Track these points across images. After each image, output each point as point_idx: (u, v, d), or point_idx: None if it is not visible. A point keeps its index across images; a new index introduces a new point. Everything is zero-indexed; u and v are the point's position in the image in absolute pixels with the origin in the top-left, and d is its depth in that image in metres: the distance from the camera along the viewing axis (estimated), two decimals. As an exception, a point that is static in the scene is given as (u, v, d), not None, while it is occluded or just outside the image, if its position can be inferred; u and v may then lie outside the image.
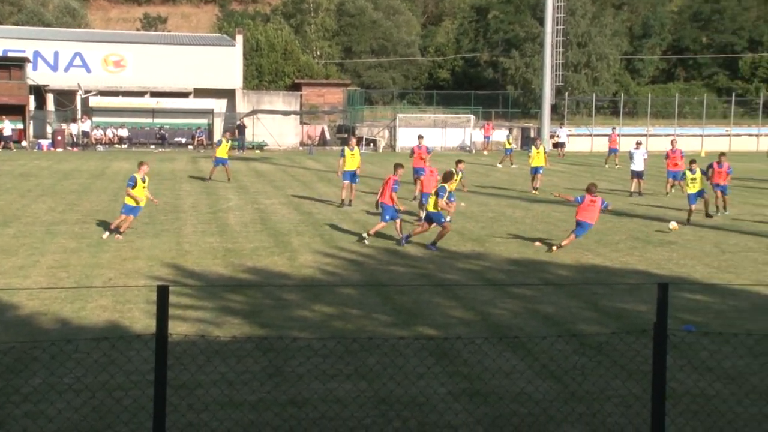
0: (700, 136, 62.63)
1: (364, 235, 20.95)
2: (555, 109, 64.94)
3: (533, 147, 33.90)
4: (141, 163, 22.08)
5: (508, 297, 15.27)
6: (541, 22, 64.89)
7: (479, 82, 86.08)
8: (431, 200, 20.24)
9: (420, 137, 32.00)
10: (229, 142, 36.71)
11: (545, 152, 33.85)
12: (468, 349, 11.08)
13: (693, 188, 24.84)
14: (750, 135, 64.50)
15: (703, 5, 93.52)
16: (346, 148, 28.04)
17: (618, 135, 48.52)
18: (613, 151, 46.83)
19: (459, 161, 25.67)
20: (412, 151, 30.33)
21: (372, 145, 60.69)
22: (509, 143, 47.86)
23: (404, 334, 12.35)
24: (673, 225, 23.11)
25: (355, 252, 19.62)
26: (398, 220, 20.95)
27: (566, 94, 68.16)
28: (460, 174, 24.25)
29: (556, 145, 58.67)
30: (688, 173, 25.18)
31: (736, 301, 14.95)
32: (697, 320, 13.39)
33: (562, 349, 11.30)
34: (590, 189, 20.09)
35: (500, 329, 12.92)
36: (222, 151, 35.11)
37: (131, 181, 21.22)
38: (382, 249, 20.11)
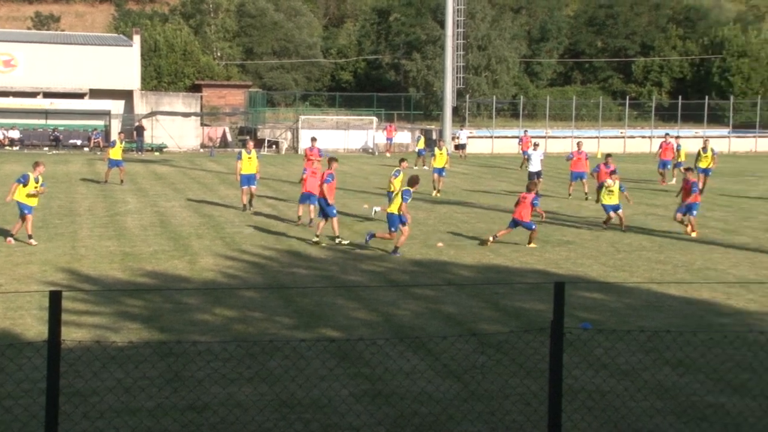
0: (597, 137, 64.17)
1: (337, 239, 20.89)
2: (456, 111, 65.66)
3: (436, 148, 34.10)
4: (37, 164, 21.44)
5: (410, 298, 15.38)
6: (442, 25, 65.54)
7: (381, 84, 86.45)
8: (396, 202, 19.85)
9: (313, 140, 31.66)
10: (123, 143, 35.99)
11: (447, 154, 34.00)
12: (370, 350, 11.11)
13: (609, 199, 23.59)
14: (643, 137, 66.43)
15: (598, 10, 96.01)
16: (243, 151, 27.54)
17: (530, 138, 46.83)
18: (526, 154, 43.96)
19: (402, 159, 25.74)
20: (305, 154, 29.71)
21: (274, 147, 60.32)
22: (422, 144, 47.79)
23: (306, 336, 12.31)
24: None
25: (256, 255, 19.47)
26: (318, 216, 21.08)
27: (467, 96, 69.01)
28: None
29: (457, 147, 59.33)
30: (608, 182, 23.79)
31: (631, 299, 15.38)
32: (594, 318, 13.72)
33: (463, 349, 11.43)
34: (529, 188, 21.40)
35: (403, 330, 13.00)
36: (116, 153, 34.45)
37: (23, 179, 20.57)
38: (285, 251, 20.01)
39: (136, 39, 63.44)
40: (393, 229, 19.75)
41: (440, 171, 33.10)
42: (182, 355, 11.13)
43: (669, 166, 37.71)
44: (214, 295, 15.18)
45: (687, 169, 24.57)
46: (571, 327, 9.43)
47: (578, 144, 34.35)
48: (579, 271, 18.05)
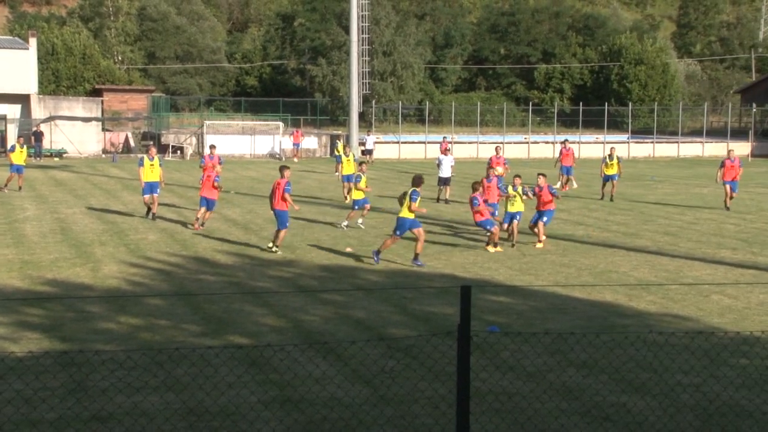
0: (501, 143, 65.21)
1: (273, 247, 20.57)
2: (363, 116, 65.94)
3: (342, 155, 33.86)
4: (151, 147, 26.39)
5: (319, 303, 15.34)
6: (347, 30, 65.68)
7: (287, 90, 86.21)
8: (405, 206, 19.22)
9: (212, 147, 30.43)
10: (24, 147, 34.82)
11: (354, 160, 33.73)
12: (279, 356, 11.04)
13: (512, 206, 22.61)
14: (546, 142, 67.81)
15: (500, 18, 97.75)
16: (145, 157, 26.52)
17: (449, 143, 45.61)
18: (566, 170, 40.78)
19: (362, 163, 25.58)
20: (204, 161, 28.70)
21: (179, 152, 59.49)
22: (339, 150, 46.84)
23: (214, 343, 12.16)
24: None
25: (162, 261, 19.16)
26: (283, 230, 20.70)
27: (373, 102, 69.37)
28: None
29: (364, 152, 59.53)
30: (510, 189, 23.05)
31: (536, 302, 15.65)
32: (501, 321, 13.91)
33: (372, 354, 11.45)
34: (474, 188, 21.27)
35: (312, 335, 12.96)
36: (18, 158, 33.51)
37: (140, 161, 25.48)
38: (191, 258, 19.75)
39: (33, 42, 61.68)
40: (399, 233, 19.40)
41: (349, 177, 32.63)
42: (85, 365, 10.87)
43: (572, 173, 38.22)
44: (118, 303, 14.87)
45: (540, 174, 22.89)
46: (478, 330, 9.57)
47: (496, 149, 33.96)
48: (486, 275, 18.29)
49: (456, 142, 63.21)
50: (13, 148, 34.52)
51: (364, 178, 24.88)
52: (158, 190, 26.33)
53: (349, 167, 32.47)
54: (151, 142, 28.80)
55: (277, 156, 60.39)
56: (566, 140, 42.35)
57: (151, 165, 26.11)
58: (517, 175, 23.61)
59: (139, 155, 44.86)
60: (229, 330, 13.29)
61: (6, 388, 9.53)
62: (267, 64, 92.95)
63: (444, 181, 32.91)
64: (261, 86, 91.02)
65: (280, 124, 63.63)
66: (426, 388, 10.20)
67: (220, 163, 28.40)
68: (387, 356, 11.59)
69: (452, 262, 19.75)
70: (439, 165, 33.43)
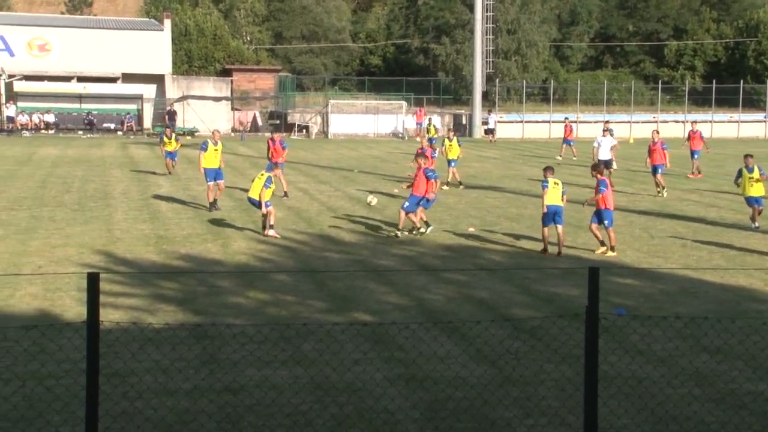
0: (629, 122, 63.69)
1: (423, 229, 20.30)
2: (486, 95, 65.42)
3: (446, 140, 31.93)
4: (215, 131, 25.20)
5: (442, 282, 15.39)
6: (471, 8, 65.24)
7: (410, 69, 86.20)
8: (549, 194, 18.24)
9: (273, 131, 30.43)
10: (172, 137, 33.35)
11: (459, 144, 31.69)
12: (403, 334, 11.14)
13: (754, 190, 21.28)
14: (676, 122, 65.85)
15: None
16: (208, 141, 24.07)
17: (571, 123, 45.23)
18: (567, 142, 42.79)
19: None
20: (268, 147, 28.34)
21: (304, 131, 60.45)
22: (433, 132, 45.96)
23: (339, 320, 12.36)
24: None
25: (288, 239, 19.54)
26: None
27: (497, 80, 68.70)
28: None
29: (486, 132, 59.21)
30: (745, 172, 21.39)
31: (665, 285, 15.28)
32: (628, 304, 13.66)
33: (496, 334, 11.42)
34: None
35: (435, 314, 13.01)
36: (171, 145, 32.59)
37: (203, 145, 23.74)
38: (316, 235, 20.08)
39: (167, 23, 63.72)
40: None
41: (451, 162, 30.77)
42: (217, 338, 11.23)
43: (696, 157, 36.35)
44: (247, 278, 15.28)
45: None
46: (605, 313, 9.41)
47: (653, 133, 32.58)
48: (612, 257, 17.95)
49: (581, 122, 62.10)
50: (161, 139, 33.75)
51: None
52: (222, 176, 24.23)
53: (453, 152, 30.71)
54: (217, 129, 27.86)
55: (400, 135, 60.62)
56: (694, 122, 41.05)
57: (215, 150, 23.88)
58: (748, 155, 21.96)
59: (267, 134, 45.70)
60: (353, 307, 13.48)
61: (145, 357, 9.93)
62: (391, 44, 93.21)
63: (604, 164, 28.92)
64: (385, 65, 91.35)
65: (403, 103, 63.80)
66: (552, 370, 10.11)
67: (283, 148, 28.03)
68: (512, 337, 11.54)
69: (577, 243, 19.45)
70: (598, 147, 31.43)
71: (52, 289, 13.97)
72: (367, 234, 20.38)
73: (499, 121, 60.19)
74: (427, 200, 20.27)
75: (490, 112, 61.96)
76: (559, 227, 18.17)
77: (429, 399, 9.31)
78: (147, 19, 76.52)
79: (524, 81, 70.74)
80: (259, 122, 63.38)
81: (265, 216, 19.89)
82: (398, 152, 45.90)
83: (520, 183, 31.75)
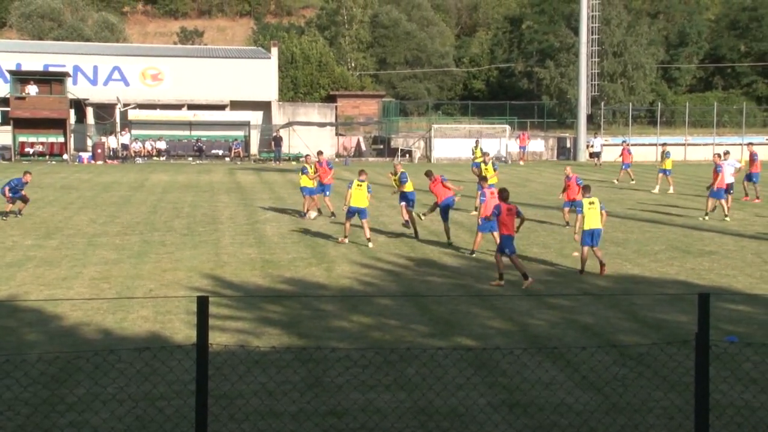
0: (740, 144, 61.88)
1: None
2: (591, 118, 64.61)
3: (482, 163, 30.75)
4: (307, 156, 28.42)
5: (545, 307, 15.21)
6: (576, 31, 64.67)
7: (514, 93, 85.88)
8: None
9: (320, 153, 30.34)
10: (311, 169, 28.52)
11: (495, 169, 30.28)
12: (507, 359, 11.05)
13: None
14: (790, 144, 63.65)
15: (741, 14, 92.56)
16: (354, 180, 22.77)
17: (628, 147, 44.71)
18: (625, 166, 42.28)
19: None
20: (315, 169, 27.95)
21: (407, 156, 60.78)
22: (479, 156, 41.01)
23: (442, 344, 12.34)
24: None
25: (391, 263, 19.64)
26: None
27: (602, 103, 67.80)
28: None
29: (591, 155, 58.47)
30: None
31: (779, 312, 14.76)
32: (740, 331, 13.24)
33: (602, 360, 11.23)
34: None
35: (539, 340, 12.87)
36: (306, 181, 28.30)
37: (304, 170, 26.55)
38: (419, 260, 20.12)
39: (274, 51, 65.17)
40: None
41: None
42: (322, 361, 11.35)
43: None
44: (350, 302, 15.40)
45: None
46: (716, 340, 9.16)
47: (749, 146, 31.19)
48: (723, 282, 17.45)
49: (689, 144, 60.67)
50: (304, 170, 28.78)
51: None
52: (366, 215, 23.00)
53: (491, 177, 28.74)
54: (307, 154, 27.23)
55: (503, 159, 60.34)
56: (750, 144, 38.57)
57: (359, 186, 22.43)
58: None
59: (371, 159, 45.95)
60: (456, 331, 13.44)
61: (252, 380, 10.11)
62: (494, 68, 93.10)
63: (726, 189, 27.94)
64: (488, 90, 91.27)
65: (507, 127, 63.56)
66: (661, 398, 9.88)
67: (329, 169, 28.48)
68: (619, 363, 11.32)
69: (686, 268, 18.98)
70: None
71: (162, 312, 14.37)
72: (470, 258, 20.31)
73: (604, 144, 59.32)
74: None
75: (595, 135, 61.13)
76: (596, 249, 18.38)
77: (533, 425, 9.20)
78: (255, 47, 78.36)
79: (630, 103, 69.59)
80: (363, 147, 64.04)
81: (409, 222, 22.61)
82: (502, 176, 45.61)
83: (625, 207, 31.17)
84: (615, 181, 41.84)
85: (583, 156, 60.54)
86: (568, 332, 13.41)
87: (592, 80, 61.99)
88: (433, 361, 11.07)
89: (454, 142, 61.98)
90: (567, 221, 25.53)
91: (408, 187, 24.30)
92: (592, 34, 61.42)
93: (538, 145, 63.33)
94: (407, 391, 10.19)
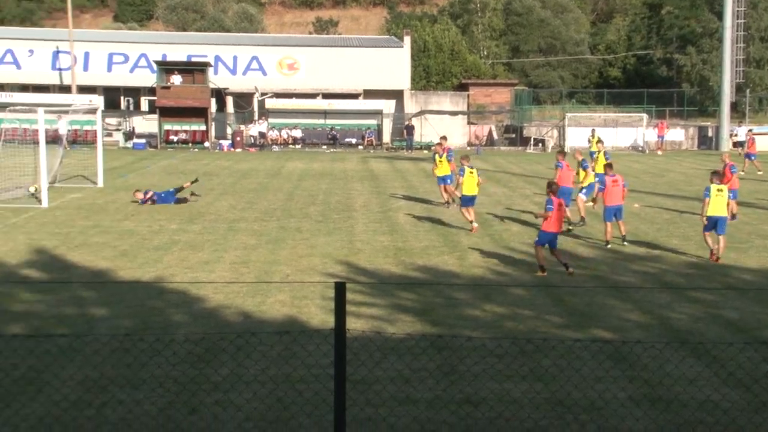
0: None
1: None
2: (735, 106, 62.21)
3: (597, 153, 30.31)
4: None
5: (686, 301, 14.77)
6: (720, 16, 62.36)
7: (652, 80, 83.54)
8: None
9: (443, 138, 30.22)
10: (444, 155, 28.41)
11: (584, 169, 27.20)
12: (648, 353, 10.79)
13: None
14: None
15: None
16: (465, 167, 23.09)
17: (754, 136, 42.79)
18: (749, 156, 40.50)
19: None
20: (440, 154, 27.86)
21: (540, 145, 60.02)
22: (595, 144, 39.52)
23: (578, 336, 12.15)
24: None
25: (524, 253, 19.44)
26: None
27: (747, 91, 65.16)
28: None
29: (735, 144, 56.36)
30: None
31: None
32: None
33: (751, 357, 10.82)
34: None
35: (680, 334, 12.51)
36: (442, 169, 28.01)
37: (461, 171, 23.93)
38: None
39: (407, 40, 65.38)
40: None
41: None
42: (457, 350, 11.35)
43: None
44: (483, 291, 15.34)
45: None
46: None
47: None
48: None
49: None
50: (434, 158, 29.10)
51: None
52: (448, 181, 27.10)
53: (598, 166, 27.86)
54: (438, 143, 26.96)
55: (640, 149, 58.86)
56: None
57: (471, 173, 23.14)
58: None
59: (503, 148, 45.50)
60: (593, 323, 13.21)
61: (388, 366, 10.21)
62: (632, 55, 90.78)
63: None
64: (624, 77, 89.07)
65: (644, 115, 61.91)
66: (813, 398, 9.47)
67: (450, 157, 27.97)
68: None
69: (839, 265, 18.07)
70: None
71: (299, 297, 14.66)
72: (606, 249, 19.92)
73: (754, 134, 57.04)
74: None
75: (740, 123, 58.85)
76: (721, 237, 18.32)
77: (677, 422, 8.96)
78: (388, 36, 78.85)
79: (778, 91, 66.65)
80: (495, 136, 63.62)
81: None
82: (638, 166, 44.57)
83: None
84: (741, 172, 39.41)
85: (726, 145, 58.37)
86: (711, 327, 12.99)
87: (736, 66, 59.64)
88: (570, 353, 10.92)
89: (588, 131, 60.74)
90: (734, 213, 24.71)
91: (445, 170, 26.88)
92: (738, 19, 59.05)
93: (678, 134, 61.42)
94: (544, 382, 10.08)
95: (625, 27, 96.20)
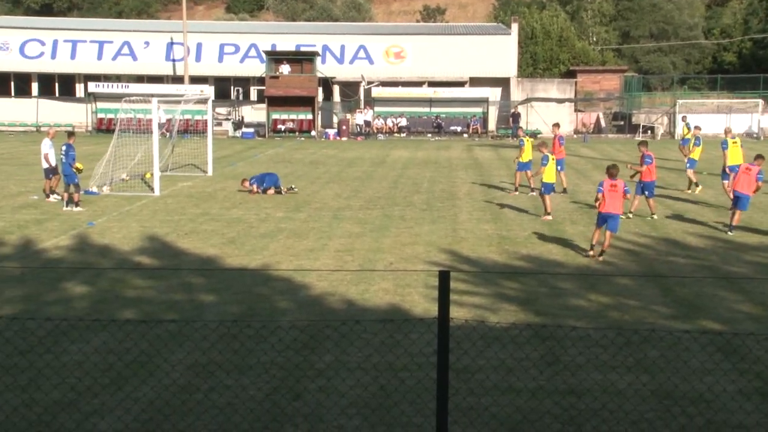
0: None
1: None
2: None
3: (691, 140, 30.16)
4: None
5: (805, 293, 14.28)
6: (843, -3, 59.69)
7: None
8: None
9: (556, 125, 30.18)
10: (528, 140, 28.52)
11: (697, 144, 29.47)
12: (761, 346, 10.48)
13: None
14: None
15: None
16: (548, 154, 23.17)
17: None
18: None
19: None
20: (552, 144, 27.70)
21: (649, 132, 58.67)
22: (686, 132, 37.14)
23: (686, 327, 11.89)
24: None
25: (631, 242, 19.09)
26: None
27: None
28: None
29: None
30: None
31: None
32: None
33: None
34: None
35: (794, 328, 12.11)
36: (526, 155, 27.88)
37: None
38: (661, 239, 19.44)
39: (514, 27, 64.75)
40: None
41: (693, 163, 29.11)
42: (561, 340, 11.25)
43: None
44: (588, 281, 15.14)
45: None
46: None
47: None
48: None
49: None
50: (522, 143, 28.43)
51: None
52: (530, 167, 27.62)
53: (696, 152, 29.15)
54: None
55: (755, 135, 56.92)
56: None
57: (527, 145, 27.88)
58: None
59: (611, 135, 44.54)
60: (701, 315, 12.90)
61: (491, 355, 10.20)
62: (748, 39, 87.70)
63: None
64: (740, 62, 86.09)
65: (759, 101, 59.81)
66: None
67: (561, 144, 28.48)
68: None
69: None
70: None
71: (402, 285, 14.75)
72: (716, 239, 19.40)
73: None
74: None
75: None
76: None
77: (788, 418, 8.70)
78: (495, 23, 78.23)
79: None
80: (602, 123, 62.46)
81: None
82: (752, 153, 43.08)
83: None
84: None
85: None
86: (829, 321, 12.53)
87: None
88: (678, 345, 10.70)
89: (700, 118, 59.04)
90: None
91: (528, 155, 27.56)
92: None
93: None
94: (650, 374, 9.91)
95: (742, 10, 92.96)
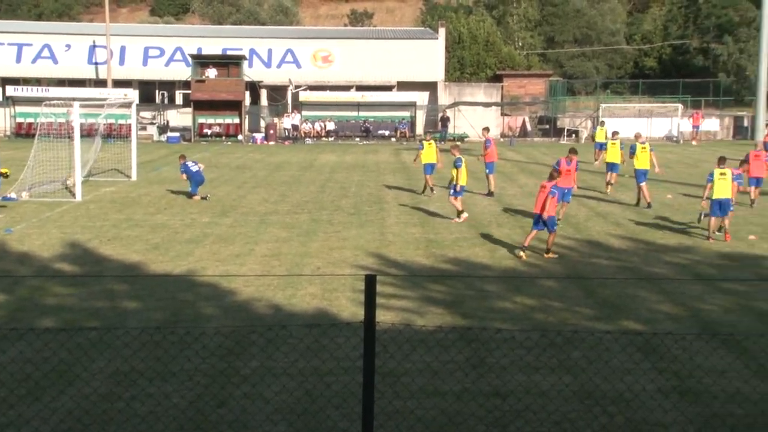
0: None
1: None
2: (772, 96, 61.26)
3: (609, 143, 31.29)
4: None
5: (718, 292, 14.65)
6: (758, 4, 61.45)
7: (688, 70, 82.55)
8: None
9: (485, 129, 31.46)
10: (431, 142, 29.63)
11: (621, 148, 30.41)
12: (678, 345, 10.72)
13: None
14: None
15: None
16: (424, 141, 27.96)
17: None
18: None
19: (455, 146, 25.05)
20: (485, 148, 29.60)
21: (573, 135, 59.63)
22: (604, 135, 39.50)
23: (608, 328, 12.10)
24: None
25: (556, 245, 19.32)
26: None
27: (785, 80, 64.09)
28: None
29: (772, 134, 55.61)
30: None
31: None
32: None
33: (783, 349, 10.72)
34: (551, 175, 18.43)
35: (711, 326, 12.42)
36: (428, 156, 28.74)
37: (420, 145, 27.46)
38: (584, 241, 19.76)
39: (441, 32, 65.23)
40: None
41: (615, 167, 29.56)
42: (486, 342, 11.34)
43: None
44: (513, 283, 15.31)
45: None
46: None
47: None
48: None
49: None
50: (422, 146, 29.42)
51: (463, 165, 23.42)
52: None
53: (614, 154, 29.87)
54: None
55: (675, 139, 58.28)
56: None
57: (430, 147, 28.92)
58: None
59: (536, 139, 45.16)
60: (623, 315, 13.14)
61: (417, 359, 10.23)
62: (668, 45, 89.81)
63: None
64: (660, 67, 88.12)
65: (679, 106, 61.27)
66: None
67: (487, 147, 29.23)
68: (799, 354, 10.78)
69: None
70: None
71: (329, 289, 14.71)
72: (638, 240, 19.79)
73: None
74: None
75: (776, 113, 58.01)
76: (726, 219, 19.72)
77: (707, 414, 8.90)
78: (423, 28, 78.66)
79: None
80: (529, 127, 63.29)
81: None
82: (672, 156, 44.16)
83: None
84: None
85: (761, 135, 57.59)
86: (743, 319, 12.88)
87: (774, 55, 58.69)
88: (600, 345, 10.87)
89: (622, 122, 60.21)
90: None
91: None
92: (775, 7, 58.11)
93: (713, 124, 60.71)
94: (573, 375, 10.05)
95: (662, 17, 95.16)
